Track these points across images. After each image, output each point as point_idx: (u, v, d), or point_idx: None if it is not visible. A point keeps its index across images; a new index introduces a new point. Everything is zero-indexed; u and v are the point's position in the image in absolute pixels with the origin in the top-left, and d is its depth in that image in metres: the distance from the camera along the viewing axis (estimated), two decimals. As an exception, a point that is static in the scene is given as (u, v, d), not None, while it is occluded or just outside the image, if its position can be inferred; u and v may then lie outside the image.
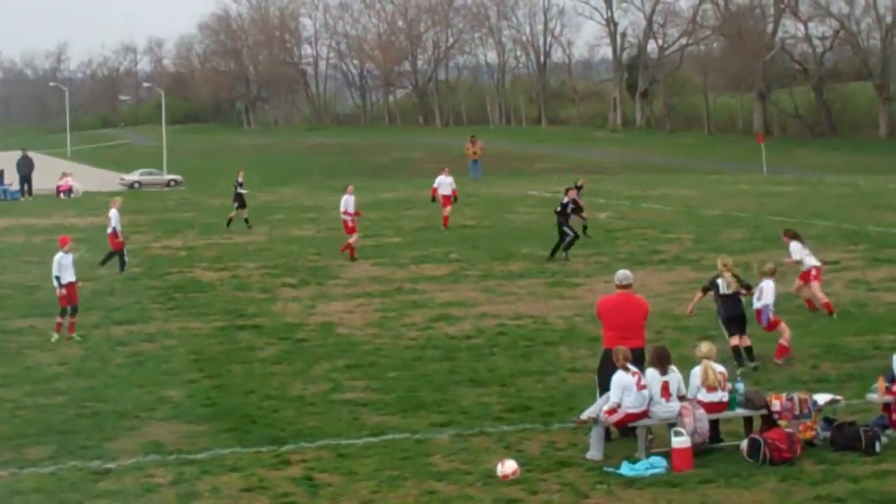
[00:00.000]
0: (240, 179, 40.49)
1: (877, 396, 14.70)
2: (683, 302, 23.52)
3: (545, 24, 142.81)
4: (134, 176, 78.27)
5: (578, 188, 36.61)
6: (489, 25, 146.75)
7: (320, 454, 14.09)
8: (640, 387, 13.82)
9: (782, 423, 13.80)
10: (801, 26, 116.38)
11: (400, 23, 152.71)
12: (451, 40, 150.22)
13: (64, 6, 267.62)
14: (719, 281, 18.47)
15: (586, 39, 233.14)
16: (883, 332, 20.05)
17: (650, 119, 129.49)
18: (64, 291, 21.46)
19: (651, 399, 13.86)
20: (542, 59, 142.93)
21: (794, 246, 22.83)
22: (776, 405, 14.00)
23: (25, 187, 58.02)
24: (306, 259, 32.04)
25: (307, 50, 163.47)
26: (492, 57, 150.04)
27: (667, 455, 13.40)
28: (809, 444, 13.77)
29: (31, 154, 60.23)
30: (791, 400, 13.99)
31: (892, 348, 14.95)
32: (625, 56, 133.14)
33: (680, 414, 13.77)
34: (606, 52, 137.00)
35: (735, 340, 18.22)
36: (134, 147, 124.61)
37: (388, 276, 28.66)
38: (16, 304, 25.23)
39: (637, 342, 14.63)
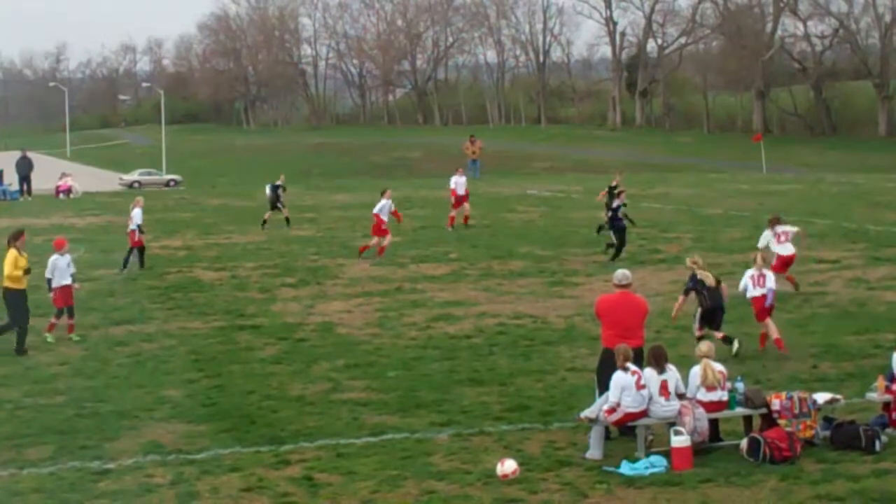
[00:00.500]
0: (280, 182, 40.83)
1: (876, 395, 14.71)
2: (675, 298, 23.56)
3: (544, 23, 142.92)
4: (133, 176, 78.22)
5: (613, 189, 36.53)
6: (488, 25, 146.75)
7: (320, 454, 14.10)
8: (640, 386, 13.82)
9: (782, 422, 13.80)
10: (801, 25, 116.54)
11: (399, 22, 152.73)
12: (450, 40, 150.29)
13: (62, 6, 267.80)
14: (699, 277, 18.76)
15: (585, 39, 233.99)
16: (882, 331, 20.06)
17: (649, 118, 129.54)
18: (54, 294, 21.42)
19: (650, 398, 13.87)
20: (541, 58, 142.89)
21: (766, 233, 24.20)
22: (776, 404, 14.00)
23: (25, 187, 57.98)
24: (306, 259, 32.03)
25: (306, 50, 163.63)
26: (491, 56, 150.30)
27: (666, 454, 13.40)
28: (809, 443, 13.78)
29: (30, 154, 60.17)
30: (791, 399, 13.99)
31: (892, 347, 14.96)
32: (624, 55, 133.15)
33: (679, 413, 13.78)
34: (606, 51, 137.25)
35: (700, 333, 18.60)
36: (133, 147, 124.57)
37: (388, 275, 28.65)
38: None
39: (636, 342, 14.64)
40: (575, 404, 15.47)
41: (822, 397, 14.45)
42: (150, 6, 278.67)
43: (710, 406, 14.05)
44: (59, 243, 22.20)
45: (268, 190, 41.84)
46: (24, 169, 58.11)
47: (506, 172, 79.34)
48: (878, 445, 13.62)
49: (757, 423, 14.17)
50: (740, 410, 14.28)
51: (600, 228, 34.18)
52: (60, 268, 21.59)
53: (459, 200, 39.30)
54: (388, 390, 17.19)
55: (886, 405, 14.55)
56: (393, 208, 32.94)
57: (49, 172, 66.23)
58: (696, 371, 14.27)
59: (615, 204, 30.82)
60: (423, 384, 17.51)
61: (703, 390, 14.14)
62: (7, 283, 20.43)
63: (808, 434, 13.83)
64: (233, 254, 33.45)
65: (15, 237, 20.94)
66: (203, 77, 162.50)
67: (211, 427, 15.42)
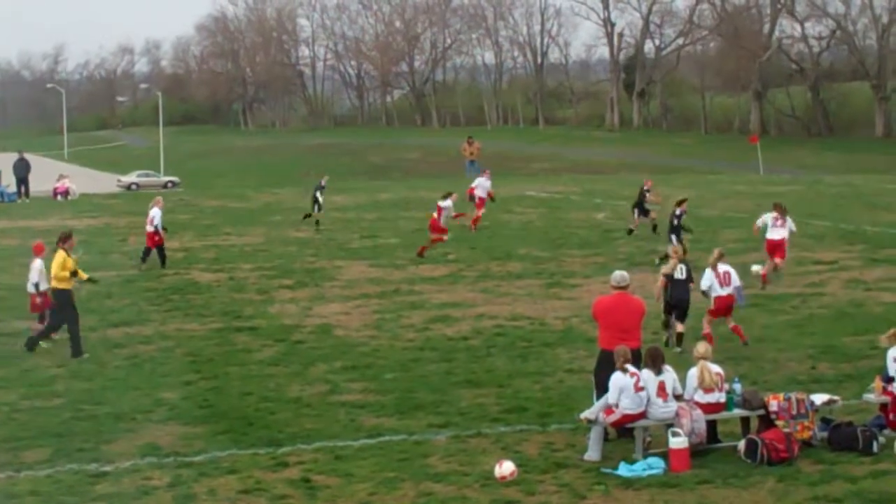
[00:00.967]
0: (322, 183, 41.20)
1: (874, 396, 14.72)
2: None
3: (542, 24, 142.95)
4: (131, 178, 78.19)
5: (646, 191, 36.95)
6: (486, 26, 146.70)
7: (317, 456, 14.09)
8: (638, 388, 13.82)
9: (780, 423, 13.81)
10: (798, 26, 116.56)
11: (397, 24, 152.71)
12: (448, 41, 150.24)
13: (60, 7, 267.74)
14: (671, 269, 19.78)
15: (583, 40, 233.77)
16: (880, 332, 19.81)
17: (647, 119, 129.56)
18: (42, 299, 21.39)
19: (648, 399, 13.87)
20: (539, 59, 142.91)
21: (765, 215, 26.35)
22: (773, 405, 14.01)
23: (22, 189, 57.93)
24: (303, 260, 32.02)
25: (304, 51, 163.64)
26: (489, 57, 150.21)
27: (664, 456, 13.41)
28: (807, 444, 13.79)
29: (27, 156, 60.16)
30: (788, 400, 14.00)
31: (889, 348, 14.93)
32: (622, 56, 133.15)
33: (677, 415, 13.78)
34: (603, 52, 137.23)
35: (680, 327, 19.58)
36: (131, 149, 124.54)
37: (386, 277, 28.65)
38: (12, 306, 25.15)
39: (633, 343, 14.62)
40: (573, 406, 15.48)
41: (819, 398, 14.46)
42: (148, 8, 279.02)
43: (708, 407, 14.05)
44: (40, 248, 22.05)
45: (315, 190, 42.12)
46: (22, 171, 58.06)
47: (504, 174, 79.31)
48: (875, 446, 13.63)
49: (754, 424, 14.18)
50: (738, 412, 14.29)
51: (655, 227, 35.13)
52: (43, 272, 21.51)
53: (482, 202, 39.39)
54: (385, 392, 17.19)
55: (884, 406, 14.56)
56: (454, 213, 33.52)
57: (46, 174, 66.19)
58: (693, 372, 14.28)
59: (677, 212, 29.87)
60: (420, 386, 17.51)
61: (700, 392, 14.15)
62: (54, 284, 20.44)
63: (805, 435, 13.84)
64: (230, 255, 33.45)
65: (64, 239, 20.97)
66: (201, 78, 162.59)
67: (208, 429, 15.41)
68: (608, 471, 13.24)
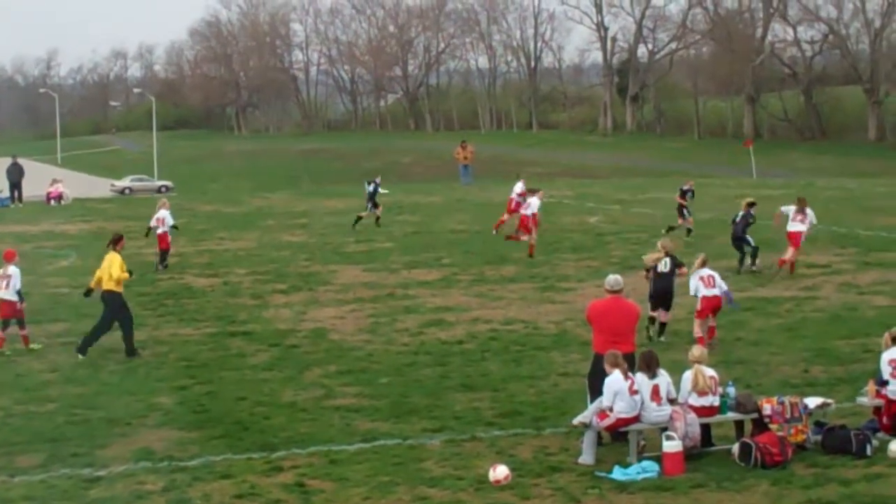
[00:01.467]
0: (377, 181, 41.72)
1: (867, 400, 14.75)
2: (674, 306, 23.58)
3: (535, 28, 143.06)
4: (124, 182, 78.23)
5: (687, 191, 37.31)
6: (480, 30, 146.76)
7: (312, 460, 14.09)
8: (633, 391, 13.83)
9: (773, 426, 13.83)
10: (791, 30, 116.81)
11: (391, 28, 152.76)
12: (441, 45, 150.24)
13: (54, 12, 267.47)
14: (656, 263, 20.89)
15: (577, 44, 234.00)
16: (873, 336, 20.01)
17: (640, 123, 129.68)
18: (19, 305, 21.34)
19: (642, 403, 13.88)
20: (532, 63, 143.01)
21: (790, 207, 28.26)
22: (767, 409, 14.03)
23: (15, 194, 57.85)
24: (297, 265, 32.01)
25: (298, 55, 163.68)
26: (482, 62, 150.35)
27: (658, 459, 13.42)
28: (800, 447, 13.81)
29: (21, 160, 60.02)
30: (782, 403, 14.02)
31: (883, 352, 14.96)
32: (615, 60, 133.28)
33: (671, 418, 13.80)
34: (597, 56, 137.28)
35: (653, 313, 20.70)
36: (124, 153, 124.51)
37: (380, 281, 28.65)
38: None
39: (628, 347, 14.65)
40: (567, 410, 15.48)
41: (813, 402, 14.49)
42: (142, 12, 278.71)
43: (702, 411, 14.07)
44: (11, 254, 21.85)
45: (368, 189, 42.45)
46: (15, 175, 57.97)
47: (497, 178, 79.33)
48: (869, 450, 13.65)
49: (748, 427, 14.20)
50: (732, 415, 14.31)
51: (671, 228, 35.77)
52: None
53: (517, 207, 39.29)
54: (380, 396, 17.19)
55: (877, 409, 14.59)
56: (534, 211, 33.73)
57: (40, 179, 66.08)
58: (687, 376, 14.30)
59: (741, 213, 29.29)
60: (415, 390, 17.51)
61: (694, 395, 14.17)
62: (111, 286, 20.51)
63: (799, 438, 13.86)
64: (224, 260, 33.42)
65: (116, 241, 21.18)
66: (194, 83, 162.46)
67: (202, 434, 15.40)
68: (602, 474, 13.26)
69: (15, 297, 21.26)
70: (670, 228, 35.96)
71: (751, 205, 29.21)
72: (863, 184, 61.83)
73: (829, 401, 14.80)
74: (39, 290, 27.65)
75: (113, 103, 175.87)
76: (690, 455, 13.57)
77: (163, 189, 76.16)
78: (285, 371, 19.09)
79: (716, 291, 19.96)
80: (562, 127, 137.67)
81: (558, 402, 16.46)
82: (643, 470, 13.28)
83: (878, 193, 52.99)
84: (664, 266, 20.72)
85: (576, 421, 14.10)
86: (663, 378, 14.10)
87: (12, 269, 21.35)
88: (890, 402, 14.42)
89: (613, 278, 15.29)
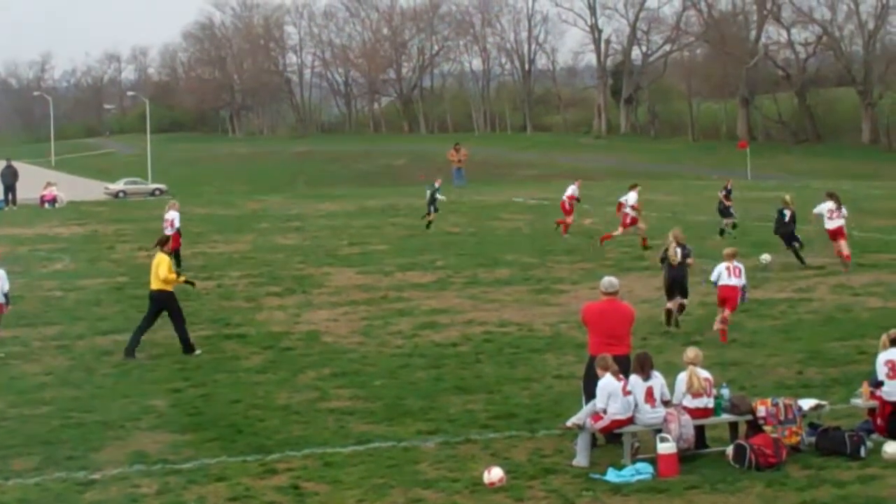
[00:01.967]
0: (437, 185, 42.59)
1: (861, 401, 14.76)
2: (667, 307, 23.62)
3: (529, 31, 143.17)
4: (118, 185, 78.13)
5: (730, 190, 37.86)
6: (474, 33, 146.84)
7: (306, 463, 14.08)
8: (626, 393, 13.84)
9: (768, 428, 13.83)
10: (784, 32, 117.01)
11: (385, 30, 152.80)
12: (435, 48, 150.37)
13: (47, 15, 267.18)
14: (669, 252, 21.65)
15: (570, 46, 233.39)
16: (867, 337, 20.09)
17: (634, 125, 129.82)
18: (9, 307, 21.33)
19: (636, 405, 13.88)
20: (526, 65, 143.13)
21: (823, 205, 29.37)
22: (761, 411, 14.03)
23: (9, 197, 57.85)
24: (291, 267, 32.01)
25: (292, 58, 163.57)
26: (476, 64, 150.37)
27: (653, 461, 13.42)
28: (795, 449, 13.81)
29: (14, 164, 60.05)
30: (776, 405, 14.02)
31: (877, 353, 14.98)
32: (609, 63, 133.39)
33: (665, 420, 13.80)
34: (591, 58, 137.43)
35: (670, 304, 21.44)
36: (118, 156, 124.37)
37: (374, 283, 28.65)
38: None
39: (623, 349, 14.65)
40: (561, 412, 15.47)
41: (807, 403, 14.49)
42: (135, 15, 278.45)
43: (696, 413, 14.08)
44: None
45: (427, 192, 42.94)
46: (9, 178, 57.98)
47: (491, 180, 79.41)
48: (863, 451, 13.66)
49: (743, 429, 14.20)
50: (726, 417, 14.31)
51: (723, 231, 36.32)
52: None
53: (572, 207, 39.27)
54: (374, 399, 17.18)
55: (871, 411, 14.60)
56: (634, 203, 34.57)
57: (34, 182, 66.03)
58: (681, 378, 14.30)
59: (787, 211, 30.03)
60: (409, 392, 17.50)
61: (688, 397, 14.17)
62: (161, 286, 20.74)
63: (793, 440, 13.86)
64: (218, 263, 33.41)
65: (164, 242, 21.50)
66: (188, 86, 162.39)
67: (197, 436, 15.39)
68: (597, 476, 13.26)
69: (1, 300, 21.26)
70: (733, 226, 36.60)
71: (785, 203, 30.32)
72: (857, 185, 61.91)
73: (824, 402, 14.81)
74: (33, 293, 27.63)
75: (107, 106, 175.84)
76: (685, 457, 13.57)
77: (157, 192, 76.08)
78: (279, 373, 19.08)
79: (735, 282, 20.72)
80: (556, 129, 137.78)
81: (552, 404, 16.46)
82: (637, 472, 13.28)
83: (873, 195, 53.11)
84: (676, 255, 21.48)
85: (570, 423, 14.09)
86: (657, 380, 14.11)
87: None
88: (884, 403, 14.44)
89: (608, 280, 15.29)
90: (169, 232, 31.47)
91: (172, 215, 32.00)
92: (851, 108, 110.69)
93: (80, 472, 13.88)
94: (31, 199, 59.57)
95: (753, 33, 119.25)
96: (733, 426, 14.31)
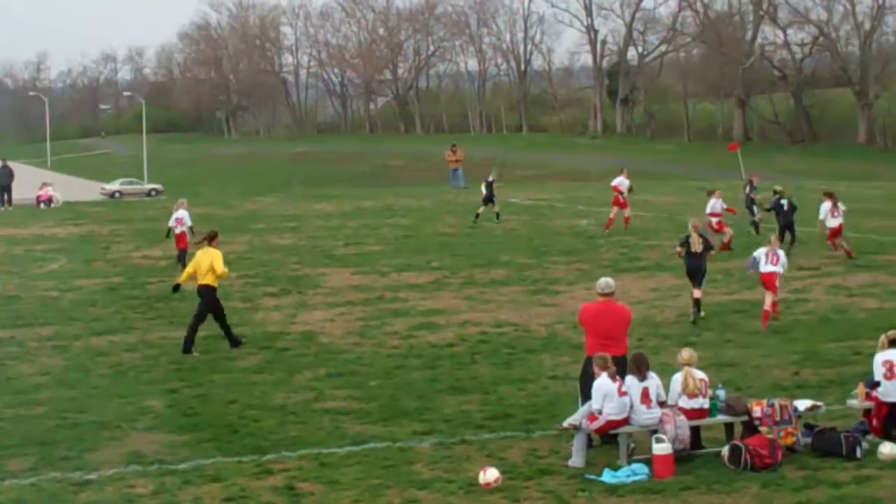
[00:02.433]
0: (490, 178, 43.06)
1: (857, 402, 14.77)
2: (665, 309, 23.67)
3: (525, 31, 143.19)
4: (114, 185, 78.13)
5: (753, 185, 38.01)
6: (469, 33, 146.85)
7: (302, 463, 14.08)
8: (622, 393, 13.85)
9: (763, 429, 13.84)
10: (780, 33, 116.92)
11: (381, 31, 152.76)
12: (431, 48, 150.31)
13: (43, 15, 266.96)
14: (690, 240, 22.31)
15: (566, 47, 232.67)
16: (863, 338, 20.11)
17: (630, 126, 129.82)
18: None
19: (632, 406, 13.89)
20: (522, 66, 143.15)
21: (822, 206, 30.63)
22: (757, 411, 14.05)
23: (5, 197, 57.72)
24: (287, 268, 31.98)
25: (288, 59, 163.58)
26: (472, 65, 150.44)
27: (648, 462, 13.43)
28: (790, 450, 13.82)
29: (10, 164, 59.94)
30: (772, 406, 14.03)
31: (872, 354, 14.99)
32: (605, 63, 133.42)
33: (661, 421, 13.81)
34: (587, 59, 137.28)
35: (697, 293, 22.20)
36: (114, 156, 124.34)
37: (370, 284, 28.63)
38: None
39: (619, 350, 14.65)
40: (557, 412, 15.47)
41: (803, 404, 14.50)
42: (131, 15, 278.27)
43: (692, 413, 14.09)
44: None
45: (483, 187, 43.17)
46: (5, 178, 57.85)
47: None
48: (858, 452, 13.68)
49: (738, 430, 14.21)
50: (722, 418, 14.32)
51: (757, 228, 36.61)
52: None
53: (625, 201, 39.04)
54: (370, 399, 17.18)
55: (867, 412, 14.61)
56: (724, 206, 34.79)
57: (30, 182, 65.96)
58: (677, 378, 14.31)
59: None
60: (405, 393, 17.50)
61: (684, 398, 14.18)
62: (208, 280, 20.93)
63: (789, 441, 13.88)
64: (215, 263, 33.30)
65: (212, 237, 21.57)
66: (184, 86, 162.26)
67: (193, 437, 15.38)
68: (592, 477, 13.26)
69: None
70: (752, 223, 36.93)
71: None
72: (853, 186, 61.92)
73: (819, 403, 14.82)
74: (29, 293, 27.60)
75: (103, 106, 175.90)
76: (680, 458, 13.58)
77: (153, 193, 76.09)
78: (275, 374, 19.07)
79: (772, 269, 21.69)
80: (552, 130, 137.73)
81: (548, 404, 16.47)
82: (633, 472, 13.29)
83: (869, 195, 53.13)
84: (697, 245, 22.19)
85: (566, 423, 14.10)
86: (653, 381, 14.12)
87: None
88: (880, 404, 14.45)
89: (604, 281, 15.30)
90: (179, 231, 31.53)
91: (182, 213, 31.82)
92: (847, 108, 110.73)
93: (75, 473, 13.87)
94: (27, 199, 59.50)
95: (749, 34, 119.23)
96: (729, 427, 14.32)
